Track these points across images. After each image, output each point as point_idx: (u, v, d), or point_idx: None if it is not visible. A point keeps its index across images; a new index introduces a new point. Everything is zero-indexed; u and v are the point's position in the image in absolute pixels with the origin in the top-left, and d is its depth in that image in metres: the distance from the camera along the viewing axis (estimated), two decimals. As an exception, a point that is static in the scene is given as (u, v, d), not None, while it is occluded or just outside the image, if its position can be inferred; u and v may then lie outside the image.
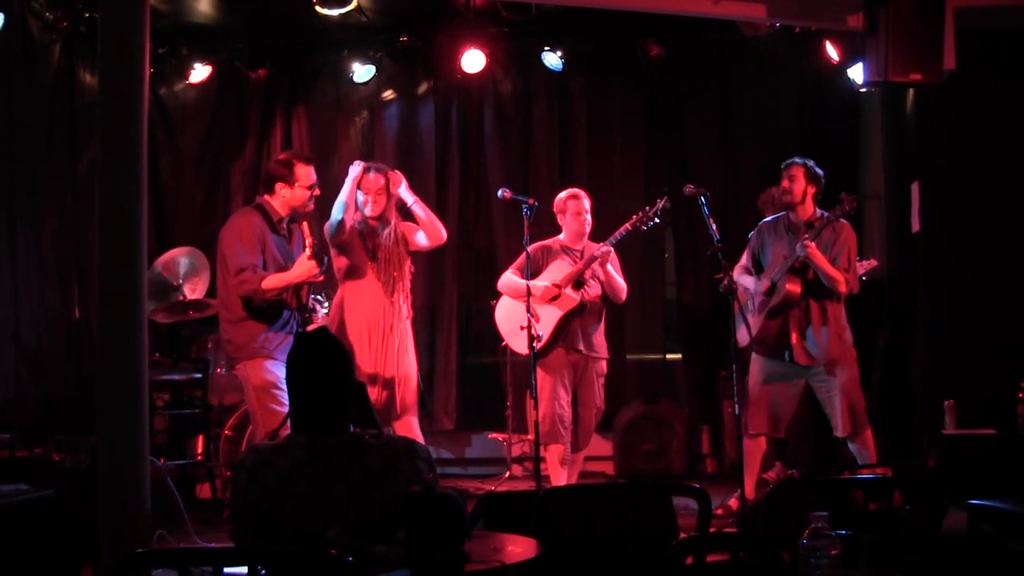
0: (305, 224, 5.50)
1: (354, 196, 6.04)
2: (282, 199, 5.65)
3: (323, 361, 3.22)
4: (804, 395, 6.45)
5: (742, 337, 6.27)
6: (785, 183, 6.25)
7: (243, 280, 5.45)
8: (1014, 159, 6.67)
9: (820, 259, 6.05)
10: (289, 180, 5.63)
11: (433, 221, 6.15)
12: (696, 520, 3.56)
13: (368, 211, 6.04)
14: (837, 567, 2.41)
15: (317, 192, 5.73)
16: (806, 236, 6.04)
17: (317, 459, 3.10)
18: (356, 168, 6.07)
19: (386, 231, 6.06)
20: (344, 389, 3.23)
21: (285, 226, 5.70)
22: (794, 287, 6.14)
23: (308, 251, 5.43)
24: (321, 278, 5.63)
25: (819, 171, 6.25)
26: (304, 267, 5.46)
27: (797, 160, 6.29)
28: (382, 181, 6.05)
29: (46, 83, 7.39)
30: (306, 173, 5.66)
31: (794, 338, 6.16)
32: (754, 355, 6.36)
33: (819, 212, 6.25)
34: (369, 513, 3.03)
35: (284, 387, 5.44)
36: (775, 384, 6.26)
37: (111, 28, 4.73)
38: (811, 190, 6.23)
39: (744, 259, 6.50)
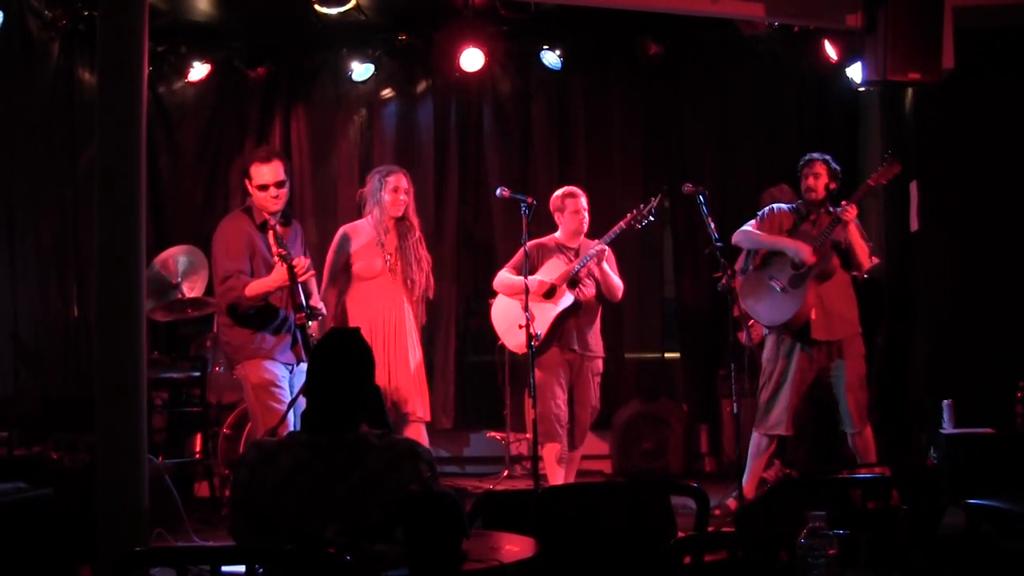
0: (271, 234, 5.37)
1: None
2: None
3: (345, 361, 3.23)
4: (807, 393, 6.45)
5: (744, 335, 6.27)
6: (810, 180, 6.21)
7: (228, 288, 5.44)
8: (1013, 158, 6.68)
9: (854, 229, 6.06)
10: (249, 179, 5.58)
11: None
12: (694, 519, 3.56)
13: (393, 210, 6.12)
14: (835, 567, 2.41)
15: (275, 193, 5.52)
16: (845, 203, 6.01)
17: (319, 458, 3.09)
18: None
19: (409, 232, 6.16)
20: (360, 392, 3.23)
21: (275, 225, 5.63)
22: (836, 261, 6.14)
23: (276, 261, 5.35)
24: (304, 278, 5.48)
25: (836, 166, 6.26)
26: (279, 274, 5.36)
27: (817, 156, 6.25)
28: (406, 182, 6.16)
29: (45, 81, 7.39)
30: (259, 172, 5.51)
31: (814, 313, 6.15)
32: (772, 352, 6.31)
33: (831, 208, 6.25)
34: (370, 513, 3.03)
35: (283, 385, 5.48)
36: (796, 379, 6.23)
37: (110, 26, 4.72)
38: (832, 186, 6.23)
39: (755, 225, 6.43)
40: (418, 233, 6.23)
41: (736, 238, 6.34)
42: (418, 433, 6.04)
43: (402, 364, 6.09)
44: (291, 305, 5.50)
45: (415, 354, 6.19)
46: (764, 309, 6.18)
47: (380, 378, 5.94)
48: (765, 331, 6.39)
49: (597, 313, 6.64)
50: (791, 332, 6.19)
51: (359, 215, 8.18)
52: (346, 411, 3.18)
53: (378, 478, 3.06)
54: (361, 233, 6.20)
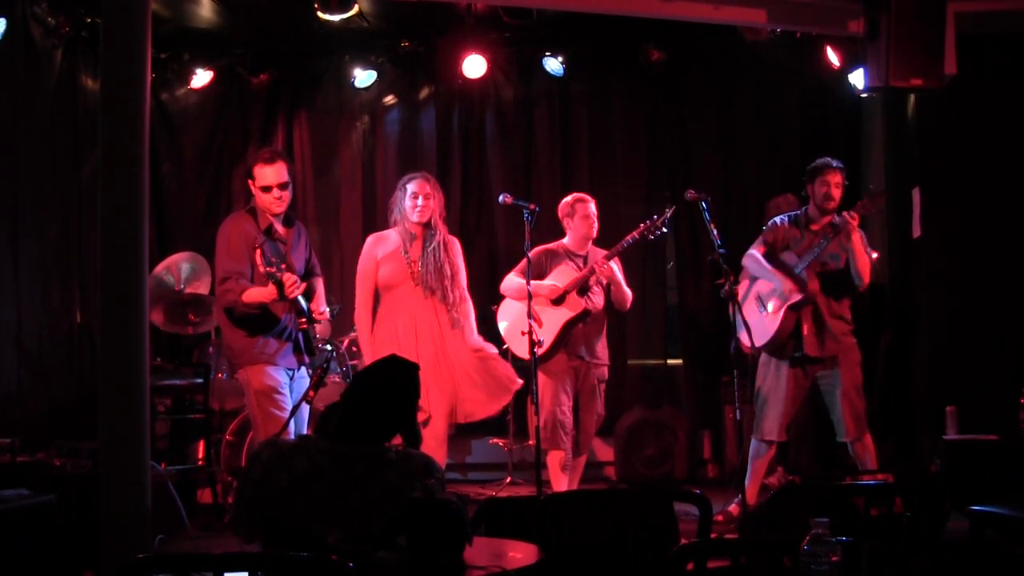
0: (258, 252, 5.27)
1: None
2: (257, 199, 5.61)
3: (393, 390, 3.27)
4: (807, 398, 6.44)
5: (744, 340, 6.26)
6: (832, 190, 6.16)
7: (226, 290, 5.42)
8: (1015, 164, 6.68)
9: (858, 240, 6.04)
10: (253, 180, 5.57)
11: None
12: (697, 526, 3.56)
13: (415, 217, 6.00)
14: (838, 573, 2.41)
15: (278, 195, 5.52)
16: (850, 213, 5.98)
17: (336, 466, 3.10)
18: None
19: (433, 239, 6.01)
20: (396, 422, 3.29)
21: (280, 228, 5.62)
22: (815, 285, 6.14)
23: (264, 278, 5.27)
24: (293, 295, 5.32)
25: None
26: (271, 291, 5.29)
27: (833, 163, 6.22)
28: (428, 187, 6.02)
29: (48, 88, 7.40)
30: (262, 173, 5.51)
31: (805, 329, 6.14)
32: (766, 357, 6.33)
33: (836, 218, 6.25)
34: (377, 524, 3.02)
35: (285, 392, 5.46)
36: (789, 387, 6.23)
37: (113, 33, 4.74)
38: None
39: (764, 250, 6.41)
40: (440, 238, 6.01)
41: (744, 262, 6.34)
42: (439, 433, 5.96)
43: (431, 369, 5.89)
44: (293, 310, 5.49)
45: (442, 359, 5.99)
46: (767, 324, 6.18)
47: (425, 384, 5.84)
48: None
49: (604, 322, 6.63)
50: (777, 351, 6.23)
51: (361, 222, 8.17)
52: (377, 432, 3.20)
53: (391, 491, 3.06)
54: (387, 241, 6.09)
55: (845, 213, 6.03)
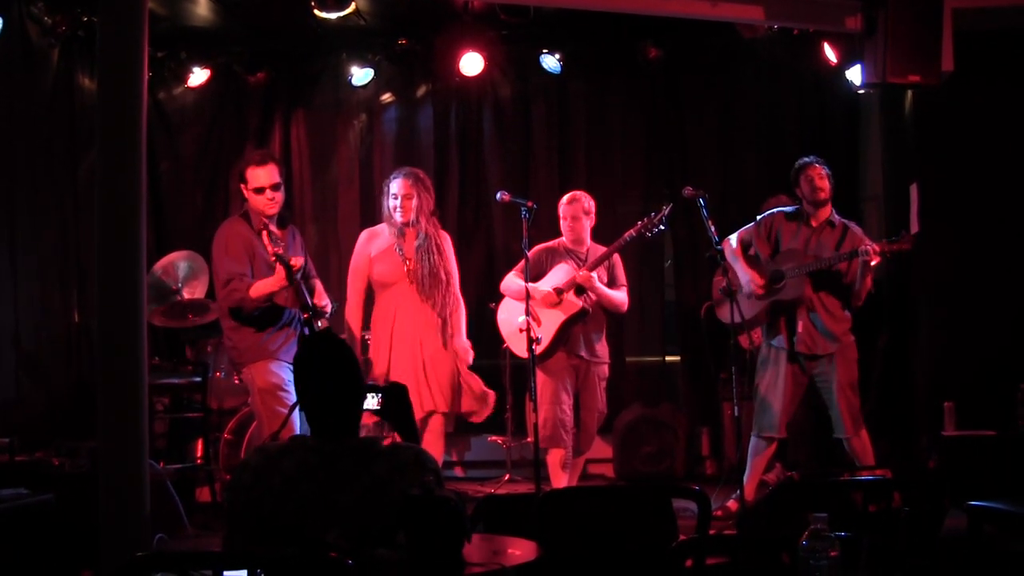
0: (265, 234, 5.33)
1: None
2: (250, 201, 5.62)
3: (328, 363, 3.21)
4: (805, 395, 6.45)
5: (745, 338, 6.28)
6: (818, 181, 6.21)
7: (231, 291, 5.44)
8: (1013, 160, 6.68)
9: (868, 275, 6.09)
10: (245, 183, 5.59)
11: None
12: (696, 522, 3.56)
13: (398, 217, 6.02)
14: (836, 569, 2.41)
15: (271, 196, 5.55)
16: (869, 246, 6.01)
17: (324, 462, 3.08)
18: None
19: (421, 238, 6.02)
20: (350, 392, 3.20)
21: (274, 228, 5.60)
22: (808, 290, 6.16)
23: (272, 260, 5.30)
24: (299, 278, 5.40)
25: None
26: (279, 274, 5.32)
27: (811, 159, 6.27)
28: (409, 186, 6.02)
29: (45, 87, 7.39)
30: (254, 175, 5.54)
31: (800, 327, 6.16)
32: (767, 353, 6.33)
33: (836, 216, 6.27)
34: (371, 520, 3.02)
35: (290, 389, 5.47)
36: (788, 383, 6.24)
37: (110, 32, 4.73)
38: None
39: (743, 236, 6.45)
40: (430, 237, 6.04)
41: (723, 244, 6.36)
42: (437, 427, 6.00)
43: (434, 367, 6.01)
44: (297, 304, 5.50)
45: (449, 355, 6.08)
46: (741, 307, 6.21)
47: (414, 383, 5.85)
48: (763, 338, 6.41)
49: (604, 319, 6.63)
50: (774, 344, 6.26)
51: (359, 220, 8.15)
52: (341, 414, 3.16)
53: (381, 485, 3.05)
54: (380, 238, 6.12)
55: (869, 244, 6.03)
